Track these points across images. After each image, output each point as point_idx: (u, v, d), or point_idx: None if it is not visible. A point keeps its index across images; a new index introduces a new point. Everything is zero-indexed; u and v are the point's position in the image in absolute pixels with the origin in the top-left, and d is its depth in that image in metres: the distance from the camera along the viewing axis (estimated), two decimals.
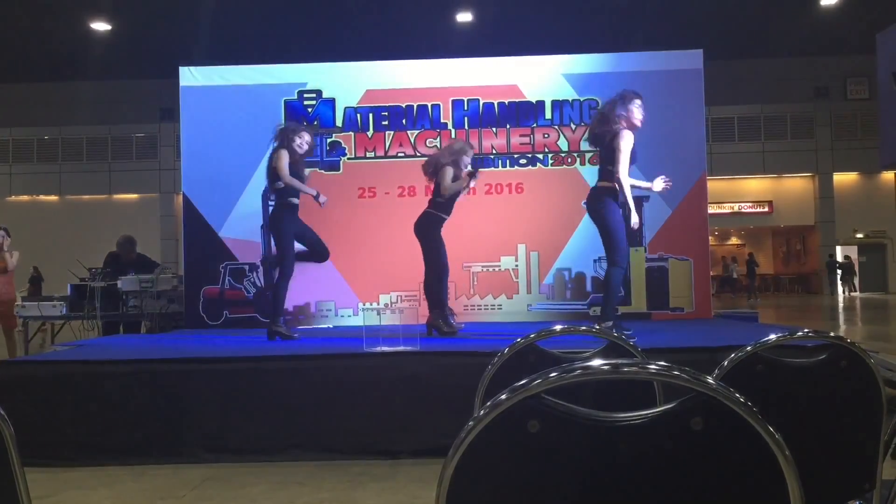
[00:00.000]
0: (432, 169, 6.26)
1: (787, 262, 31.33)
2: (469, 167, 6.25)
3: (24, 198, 25.81)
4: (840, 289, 27.38)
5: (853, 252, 28.10)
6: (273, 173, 6.12)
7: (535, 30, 18.92)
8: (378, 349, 4.75)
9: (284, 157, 6.09)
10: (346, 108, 7.90)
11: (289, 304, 7.05)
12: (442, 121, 7.86)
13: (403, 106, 7.89)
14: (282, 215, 6.13)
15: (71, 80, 24.44)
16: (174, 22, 19.06)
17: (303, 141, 6.21)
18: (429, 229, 6.12)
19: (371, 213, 7.79)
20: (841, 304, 21.53)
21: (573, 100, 7.82)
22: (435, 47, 18.06)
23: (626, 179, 5.33)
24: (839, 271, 27.22)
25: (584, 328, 2.33)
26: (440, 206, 6.16)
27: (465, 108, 7.87)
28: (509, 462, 0.98)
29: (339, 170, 7.86)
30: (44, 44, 21.16)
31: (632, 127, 5.45)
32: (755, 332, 5.88)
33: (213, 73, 8.05)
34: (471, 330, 6.37)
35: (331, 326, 7.54)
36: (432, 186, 6.30)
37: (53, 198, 25.77)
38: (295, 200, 6.15)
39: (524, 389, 0.97)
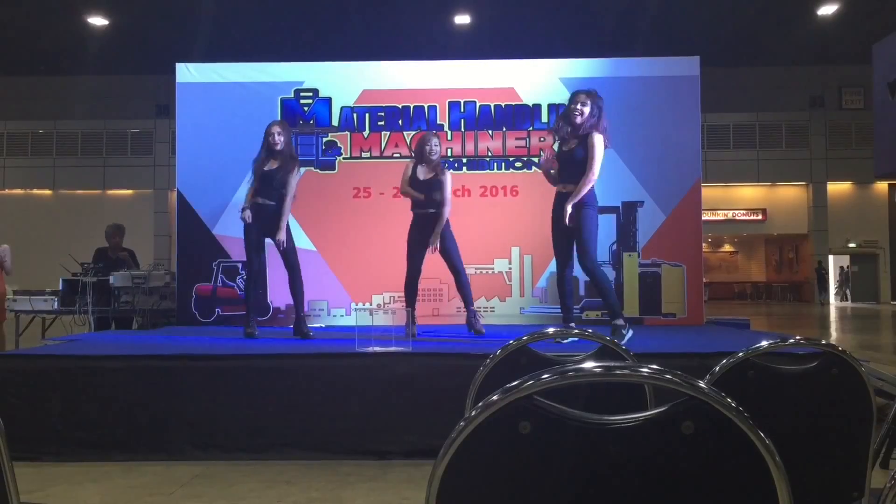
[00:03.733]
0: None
1: (780, 271, 31.44)
2: (434, 149, 6.11)
3: (18, 191, 25.69)
4: (832, 298, 27.53)
5: (845, 262, 28.24)
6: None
7: (533, 33, 18.94)
8: (370, 349, 4.75)
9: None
10: (342, 107, 7.89)
11: (281, 303, 7.03)
12: (438, 122, 7.86)
13: (400, 107, 7.88)
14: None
15: (67, 75, 24.34)
16: (172, 18, 19.02)
17: (272, 136, 6.08)
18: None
19: (365, 213, 7.78)
20: (834, 314, 21.61)
21: None
22: (432, 49, 18.10)
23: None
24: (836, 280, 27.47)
25: (576, 331, 2.34)
26: (416, 204, 6.13)
27: (462, 109, 7.86)
28: (500, 463, 0.98)
29: (334, 169, 7.84)
30: (41, 37, 21.09)
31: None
32: (747, 339, 5.90)
33: (210, 69, 8.02)
34: (462, 332, 6.36)
35: (323, 326, 7.53)
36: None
37: (47, 192, 25.66)
38: (259, 200, 6.05)
39: (516, 390, 0.97)
